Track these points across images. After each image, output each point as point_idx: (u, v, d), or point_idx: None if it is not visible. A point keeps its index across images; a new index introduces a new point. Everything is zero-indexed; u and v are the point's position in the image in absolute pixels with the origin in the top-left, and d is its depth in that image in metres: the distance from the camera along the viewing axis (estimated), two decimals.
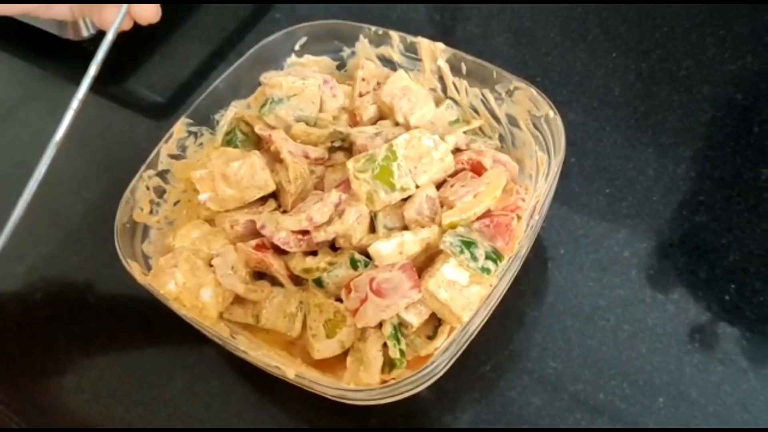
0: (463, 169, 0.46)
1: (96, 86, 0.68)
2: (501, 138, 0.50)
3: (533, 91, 0.46)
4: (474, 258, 0.41)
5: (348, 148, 0.49)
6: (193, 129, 0.50)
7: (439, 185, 0.46)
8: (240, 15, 0.68)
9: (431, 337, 0.43)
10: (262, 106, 0.49)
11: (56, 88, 0.67)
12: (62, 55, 0.67)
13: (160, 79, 0.66)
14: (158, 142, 0.49)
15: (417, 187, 0.44)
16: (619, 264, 0.48)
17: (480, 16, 0.63)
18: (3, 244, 0.41)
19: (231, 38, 0.67)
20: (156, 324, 0.50)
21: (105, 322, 0.52)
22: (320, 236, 0.43)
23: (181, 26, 0.69)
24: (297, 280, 0.45)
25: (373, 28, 0.51)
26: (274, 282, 0.46)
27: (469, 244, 0.41)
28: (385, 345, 0.42)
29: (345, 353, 0.43)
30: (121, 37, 0.61)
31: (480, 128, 0.50)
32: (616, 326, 0.46)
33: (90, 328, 0.52)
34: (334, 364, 0.43)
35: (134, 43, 0.66)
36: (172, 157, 0.49)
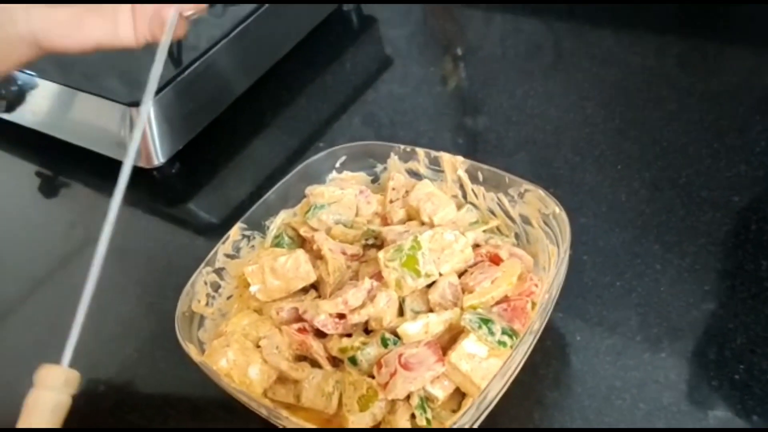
0: (482, 261, 0.52)
1: (161, 208, 0.78)
2: (517, 236, 0.56)
3: (541, 191, 0.52)
4: (491, 333, 0.45)
5: (380, 245, 0.55)
6: (247, 233, 0.58)
7: (461, 274, 0.51)
8: (289, 145, 0.78)
9: (456, 411, 0.47)
10: (307, 211, 0.57)
11: (129, 212, 0.77)
12: (136, 182, 0.77)
13: (216, 202, 0.75)
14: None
15: (440, 274, 0.50)
16: (632, 348, 0.52)
17: (498, 138, 0.71)
18: (72, 345, 0.44)
19: (281, 165, 0.76)
20: (205, 411, 0.55)
21: (160, 409, 0.57)
22: (354, 318, 0.49)
23: (237, 156, 0.78)
24: (334, 362, 0.50)
25: (402, 147, 0.59)
26: (314, 364, 0.51)
27: (486, 321, 0.46)
28: (413, 416, 0.46)
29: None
30: (186, 167, 0.72)
31: (498, 228, 0.56)
32: (632, 405, 0.49)
33: (147, 416, 0.57)
34: None
35: (195, 173, 0.77)
36: (228, 256, 0.57)
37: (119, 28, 0.51)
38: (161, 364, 0.60)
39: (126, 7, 0.51)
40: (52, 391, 0.39)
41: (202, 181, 0.77)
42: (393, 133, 0.75)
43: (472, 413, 0.43)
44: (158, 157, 0.74)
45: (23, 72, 0.79)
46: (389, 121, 0.78)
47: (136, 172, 0.76)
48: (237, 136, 0.80)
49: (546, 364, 0.52)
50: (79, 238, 0.76)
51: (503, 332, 0.46)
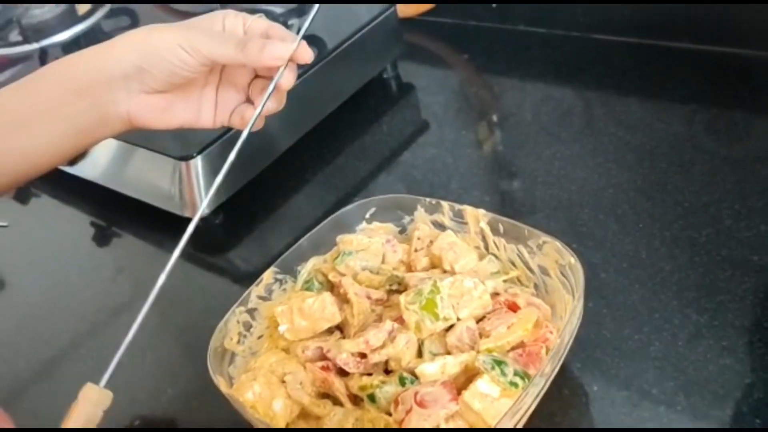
0: (500, 308, 0.54)
1: (202, 256, 0.82)
2: (536, 286, 0.58)
3: (558, 243, 0.55)
4: (504, 374, 0.47)
5: (404, 291, 0.58)
6: (279, 277, 0.61)
7: (479, 320, 0.53)
8: (326, 200, 0.82)
9: None
10: (336, 258, 0.60)
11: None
12: (181, 230, 0.82)
13: (255, 252, 0.80)
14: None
15: (458, 319, 0.52)
16: (649, 401, 0.53)
17: (525, 197, 0.74)
18: (111, 369, 0.48)
19: (318, 219, 0.80)
20: None
21: None
22: (375, 358, 0.51)
23: (277, 210, 0.83)
24: (354, 400, 0.53)
25: (428, 200, 0.63)
26: (335, 402, 0.53)
27: (500, 363, 0.48)
28: None
29: None
30: (229, 218, 0.76)
31: (518, 278, 0.58)
32: None
33: None
34: None
35: (237, 224, 0.81)
36: (260, 298, 0.60)
37: (201, 112, 0.57)
38: (193, 401, 0.62)
39: (210, 98, 0.57)
40: (88, 403, 0.43)
41: (243, 232, 0.81)
42: (425, 191, 0.79)
43: None
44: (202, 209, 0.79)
45: None
46: (423, 180, 0.82)
47: (182, 220, 0.82)
48: (278, 191, 0.85)
49: (563, 414, 0.53)
50: (126, 283, 0.81)
51: (515, 374, 0.47)
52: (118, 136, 0.81)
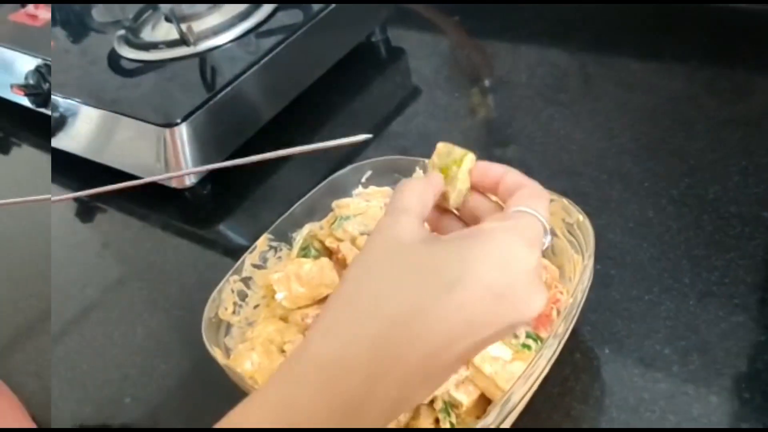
0: None
1: (191, 228, 0.80)
2: None
3: (564, 201, 0.52)
4: (516, 336, 0.45)
5: None
6: (274, 244, 0.59)
7: None
8: (316, 169, 0.79)
9: (479, 418, 0.46)
10: (332, 223, 0.58)
11: (161, 231, 0.79)
12: (168, 202, 0.79)
13: (246, 223, 0.77)
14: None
15: None
16: (661, 360, 0.51)
17: (522, 161, 0.71)
18: None
19: (309, 189, 0.78)
20: None
21: (189, 416, 0.57)
22: None
23: (266, 179, 0.80)
24: None
25: (426, 161, 0.60)
26: None
27: None
28: (436, 420, 0.45)
29: None
30: (217, 189, 0.73)
31: None
32: (661, 417, 0.48)
33: (174, 423, 0.57)
34: None
35: (226, 195, 0.79)
36: (255, 266, 0.57)
37: None
38: (188, 375, 0.60)
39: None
40: None
41: (232, 203, 0.78)
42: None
43: (495, 415, 0.42)
44: (190, 178, 0.76)
45: (65, 98, 0.82)
46: (413, 147, 0.79)
47: (169, 192, 0.79)
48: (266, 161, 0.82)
49: (575, 377, 0.52)
50: (112, 258, 0.78)
51: (528, 336, 0.45)
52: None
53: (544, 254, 0.55)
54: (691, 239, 0.58)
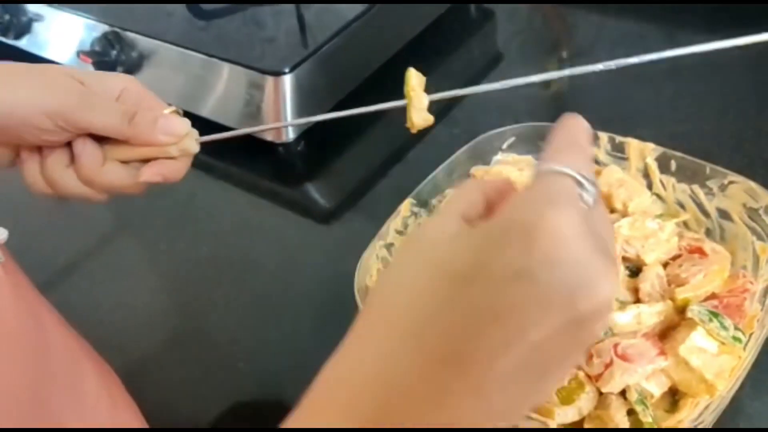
0: (684, 254, 0.49)
1: (279, 185, 0.74)
2: (707, 232, 0.52)
3: (751, 183, 0.49)
4: (724, 327, 0.42)
5: None
6: (415, 210, 0.55)
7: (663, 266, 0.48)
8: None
9: (669, 412, 0.43)
10: None
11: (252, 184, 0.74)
12: (261, 157, 0.74)
13: (335, 182, 0.72)
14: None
15: (645, 264, 0.47)
16: None
17: (689, 119, 0.67)
18: None
19: (402, 147, 0.73)
20: None
21: None
22: None
23: (360, 139, 0.75)
24: None
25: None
26: None
27: (716, 315, 0.42)
28: (629, 412, 0.42)
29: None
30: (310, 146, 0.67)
31: (685, 222, 0.53)
32: None
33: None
34: None
35: (319, 152, 0.74)
36: (398, 232, 0.53)
37: None
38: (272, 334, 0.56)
39: None
40: None
41: (325, 160, 0.73)
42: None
43: (710, 412, 0.39)
44: (288, 134, 0.71)
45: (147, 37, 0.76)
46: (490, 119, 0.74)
47: (264, 146, 0.73)
48: (362, 119, 0.77)
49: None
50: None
51: (735, 328, 0.42)
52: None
53: (711, 240, 0.51)
54: None
